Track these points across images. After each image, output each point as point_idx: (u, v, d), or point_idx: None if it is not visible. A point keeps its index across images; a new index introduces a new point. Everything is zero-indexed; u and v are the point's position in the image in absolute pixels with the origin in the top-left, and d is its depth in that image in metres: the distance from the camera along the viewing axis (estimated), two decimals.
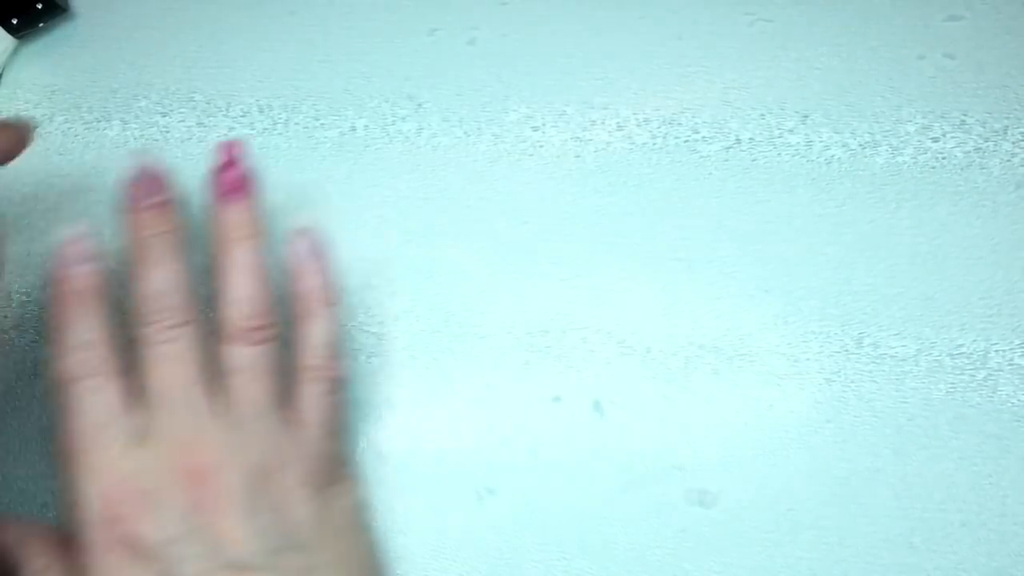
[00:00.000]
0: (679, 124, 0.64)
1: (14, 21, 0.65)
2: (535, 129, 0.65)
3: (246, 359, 0.49)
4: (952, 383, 0.59)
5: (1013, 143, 0.63)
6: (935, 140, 0.63)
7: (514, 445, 0.59)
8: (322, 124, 0.66)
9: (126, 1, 0.70)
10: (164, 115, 0.68)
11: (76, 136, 0.68)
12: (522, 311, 0.61)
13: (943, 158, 0.62)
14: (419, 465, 0.59)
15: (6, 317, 0.65)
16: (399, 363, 0.61)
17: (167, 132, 0.67)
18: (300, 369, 0.51)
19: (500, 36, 0.67)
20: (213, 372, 0.49)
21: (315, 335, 0.52)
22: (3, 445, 0.62)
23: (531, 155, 0.64)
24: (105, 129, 0.68)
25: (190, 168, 0.66)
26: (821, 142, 0.63)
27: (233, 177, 0.52)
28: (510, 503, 0.58)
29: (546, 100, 0.65)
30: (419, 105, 0.66)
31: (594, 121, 0.65)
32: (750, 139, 0.64)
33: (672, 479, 0.58)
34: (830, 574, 0.56)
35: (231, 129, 0.66)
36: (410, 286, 0.62)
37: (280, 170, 0.66)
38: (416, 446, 0.60)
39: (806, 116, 0.64)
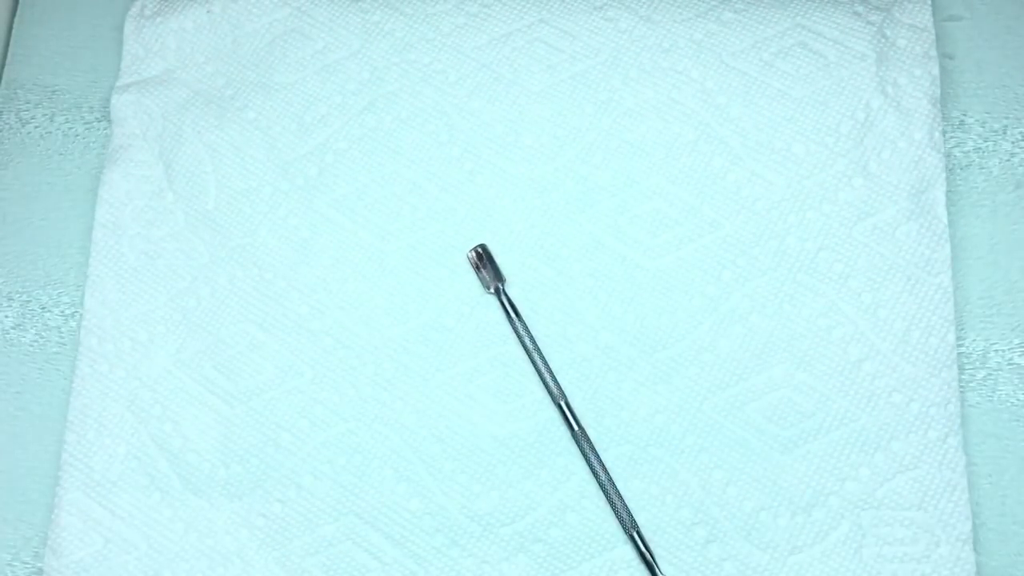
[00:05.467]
0: None
1: None
2: None
3: None
4: None
5: (1012, 143, 0.63)
6: None
7: None
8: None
9: (129, 2, 0.69)
10: None
11: (76, 136, 0.68)
12: None
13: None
14: None
15: (7, 317, 0.65)
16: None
17: None
18: None
19: None
20: None
21: None
22: (4, 442, 0.63)
23: None
24: (105, 129, 0.68)
25: None
26: None
27: None
28: None
29: None
30: None
31: None
32: None
33: None
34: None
35: None
36: None
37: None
38: None
39: None
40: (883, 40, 0.62)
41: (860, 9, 0.63)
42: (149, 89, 0.66)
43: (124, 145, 0.65)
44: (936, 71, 0.61)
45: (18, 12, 0.71)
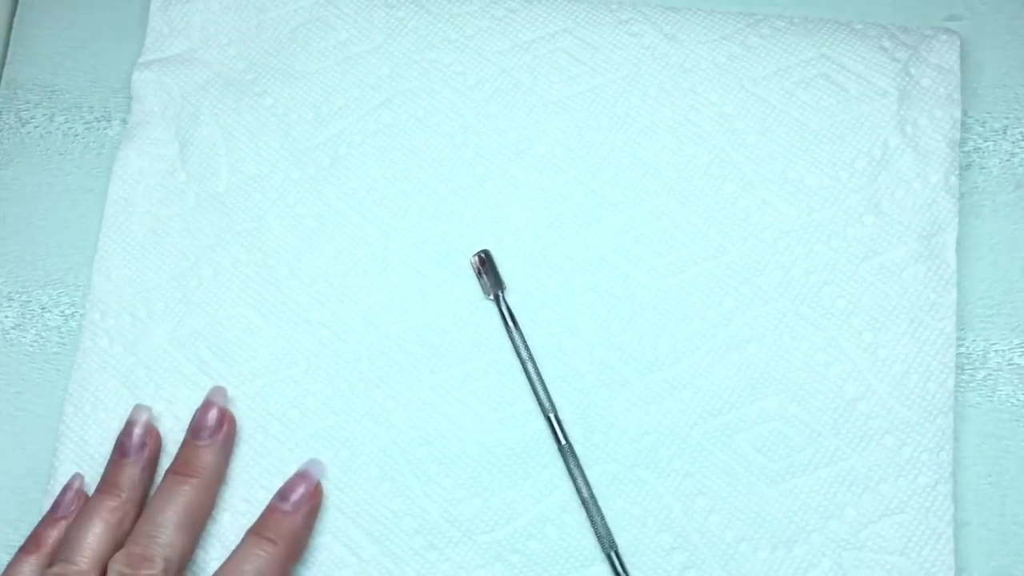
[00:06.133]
0: None
1: None
2: None
3: None
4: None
5: (1013, 143, 0.63)
6: None
7: None
8: None
9: (130, 2, 0.69)
10: None
11: (76, 136, 0.68)
12: None
13: None
14: None
15: (7, 317, 0.65)
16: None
17: None
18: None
19: None
20: None
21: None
22: (4, 442, 0.63)
23: None
24: (105, 129, 0.68)
25: None
26: None
27: (210, 418, 0.58)
28: None
29: None
30: None
31: None
32: None
33: None
34: None
35: None
36: None
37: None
38: None
39: None
40: (907, 78, 0.61)
41: (887, 44, 0.62)
42: (170, 67, 0.66)
43: (142, 122, 0.66)
44: (958, 114, 0.60)
45: (18, 12, 0.71)
